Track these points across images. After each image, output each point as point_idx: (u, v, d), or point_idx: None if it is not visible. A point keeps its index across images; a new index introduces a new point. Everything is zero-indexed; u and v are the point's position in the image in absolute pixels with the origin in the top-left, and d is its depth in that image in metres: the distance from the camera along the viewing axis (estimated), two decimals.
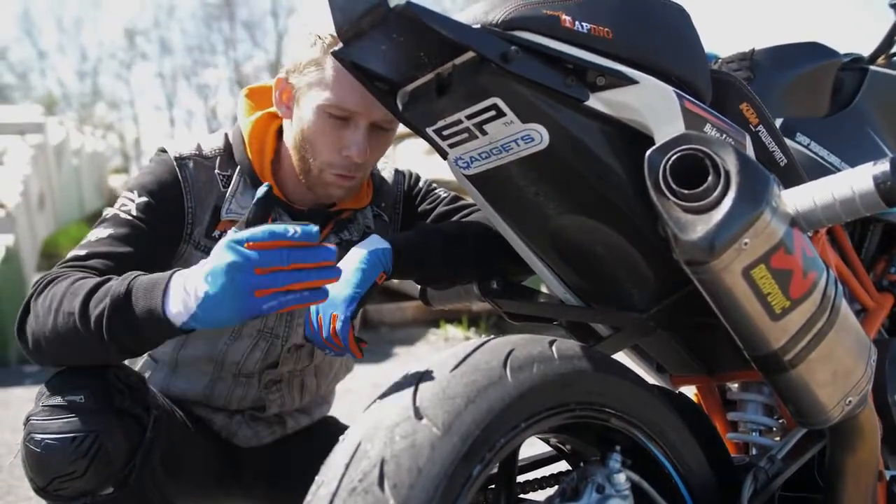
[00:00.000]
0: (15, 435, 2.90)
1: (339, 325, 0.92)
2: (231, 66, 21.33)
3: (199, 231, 1.11)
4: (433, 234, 1.09)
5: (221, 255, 0.81)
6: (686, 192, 0.73)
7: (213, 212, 1.11)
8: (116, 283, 0.89)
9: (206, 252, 1.11)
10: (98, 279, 0.92)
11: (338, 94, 1.02)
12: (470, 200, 1.21)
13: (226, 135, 1.17)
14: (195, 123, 22.33)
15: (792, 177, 0.96)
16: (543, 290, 1.20)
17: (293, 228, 0.80)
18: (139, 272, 0.91)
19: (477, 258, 1.09)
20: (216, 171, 1.12)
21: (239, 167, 1.13)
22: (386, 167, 1.27)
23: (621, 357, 0.99)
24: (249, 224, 0.87)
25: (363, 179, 1.12)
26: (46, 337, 0.92)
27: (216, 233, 1.11)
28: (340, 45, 0.84)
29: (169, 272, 0.88)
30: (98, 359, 0.93)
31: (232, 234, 0.82)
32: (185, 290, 0.85)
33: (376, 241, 1.01)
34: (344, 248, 1.16)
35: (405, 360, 3.71)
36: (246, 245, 0.80)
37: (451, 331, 4.37)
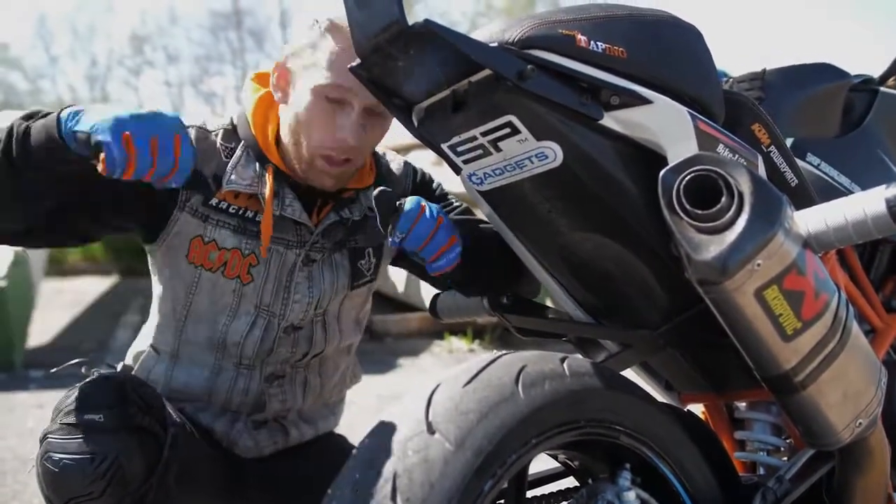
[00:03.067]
0: (20, 439, 2.91)
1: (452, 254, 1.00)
2: (238, 75, 21.46)
3: (198, 198, 1.11)
4: (485, 235, 1.09)
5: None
6: (699, 212, 0.74)
7: (212, 179, 1.11)
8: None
9: (203, 220, 1.11)
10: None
11: (333, 75, 1.03)
12: (480, 214, 1.22)
13: (231, 118, 1.18)
14: None
15: (803, 197, 0.97)
16: (548, 303, 1.21)
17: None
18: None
19: (506, 270, 1.10)
20: (219, 141, 1.14)
21: (243, 141, 1.14)
22: (395, 159, 1.27)
23: (629, 374, 0.99)
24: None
25: (355, 167, 1.12)
26: None
27: (214, 201, 1.12)
28: (357, 60, 0.85)
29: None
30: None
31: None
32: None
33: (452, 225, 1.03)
34: (347, 227, 1.18)
35: (409, 371, 3.71)
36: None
37: (456, 343, 4.36)
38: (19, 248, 4.60)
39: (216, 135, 1.15)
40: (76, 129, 0.91)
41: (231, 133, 1.15)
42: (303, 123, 1.08)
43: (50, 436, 0.92)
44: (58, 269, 9.02)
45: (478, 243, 1.08)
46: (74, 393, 0.96)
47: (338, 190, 1.16)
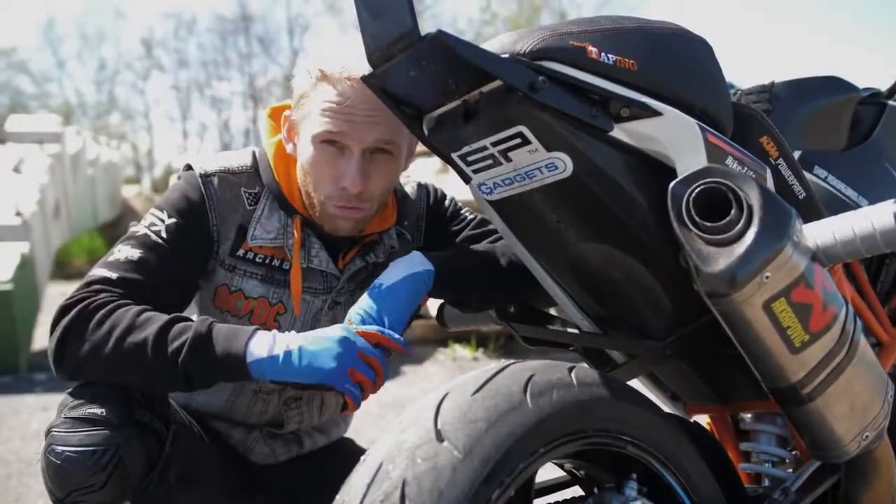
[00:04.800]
0: (25, 442, 2.93)
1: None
2: (245, 80, 21.59)
3: (224, 249, 1.11)
4: (471, 259, 1.09)
5: (331, 329, 0.96)
6: (709, 224, 0.74)
7: (237, 230, 1.11)
8: (196, 323, 0.96)
9: (230, 270, 1.11)
10: (168, 315, 0.97)
11: (326, 123, 1.03)
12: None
13: (253, 153, 1.17)
14: (208, 136, 22.60)
15: (810, 210, 0.97)
16: (552, 312, 1.21)
17: (397, 336, 0.98)
18: (214, 319, 0.98)
19: (510, 286, 1.09)
20: (242, 188, 1.12)
21: (266, 188, 1.13)
22: (408, 181, 1.26)
23: (635, 384, 0.99)
24: None
25: (370, 212, 1.10)
26: (103, 359, 0.94)
27: (241, 252, 1.11)
28: (370, 69, 0.86)
29: (252, 327, 0.97)
30: (153, 385, 0.97)
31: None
32: (274, 339, 0.95)
33: (418, 262, 1.02)
34: (370, 270, 1.17)
35: (413, 379, 3.71)
36: (356, 331, 0.96)
37: (460, 351, 4.36)
38: (25, 250, 4.62)
39: (240, 177, 1.13)
40: (293, 380, 0.94)
41: (254, 177, 1.14)
42: (309, 173, 1.08)
43: (54, 429, 0.93)
44: (63, 272, 9.04)
45: (487, 268, 1.08)
46: (80, 388, 0.97)
47: (362, 234, 1.15)
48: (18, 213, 4.89)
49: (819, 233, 0.79)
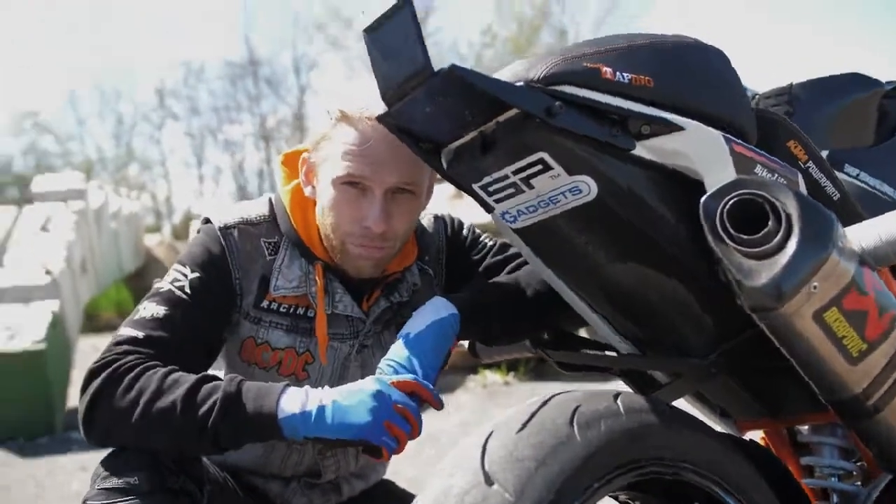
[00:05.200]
0: (63, 503, 2.90)
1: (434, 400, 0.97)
2: (256, 121, 21.94)
3: (248, 302, 1.10)
4: (494, 294, 1.07)
5: (365, 382, 0.94)
6: (746, 237, 0.72)
7: (259, 281, 1.10)
8: (224, 383, 0.95)
9: (256, 322, 1.10)
10: (196, 376, 0.96)
11: (347, 166, 1.02)
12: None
13: (270, 200, 1.17)
14: (223, 179, 22.94)
15: (846, 210, 0.94)
16: (584, 333, 1.18)
17: (431, 387, 0.97)
18: (242, 377, 0.97)
19: (537, 316, 1.08)
20: (262, 238, 1.11)
21: (285, 236, 1.12)
22: (425, 215, 1.24)
23: (681, 403, 0.96)
24: None
25: (394, 250, 1.09)
26: (132, 424, 0.94)
27: (265, 303, 1.10)
28: (385, 108, 0.85)
29: (283, 384, 0.96)
30: (182, 449, 0.96)
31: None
32: (307, 395, 0.94)
33: (443, 307, 1.01)
34: (395, 309, 1.16)
35: (446, 409, 3.67)
36: (391, 382, 0.94)
37: (490, 377, 4.31)
38: (55, 308, 4.68)
39: (259, 228, 1.12)
40: (327, 436, 0.92)
41: (272, 226, 1.13)
42: (329, 215, 1.07)
43: (89, 501, 0.93)
44: (92, 325, 9.16)
45: (510, 301, 1.07)
46: (111, 457, 0.97)
47: (384, 274, 1.13)
48: (48, 272, 4.98)
49: (863, 235, 0.76)
